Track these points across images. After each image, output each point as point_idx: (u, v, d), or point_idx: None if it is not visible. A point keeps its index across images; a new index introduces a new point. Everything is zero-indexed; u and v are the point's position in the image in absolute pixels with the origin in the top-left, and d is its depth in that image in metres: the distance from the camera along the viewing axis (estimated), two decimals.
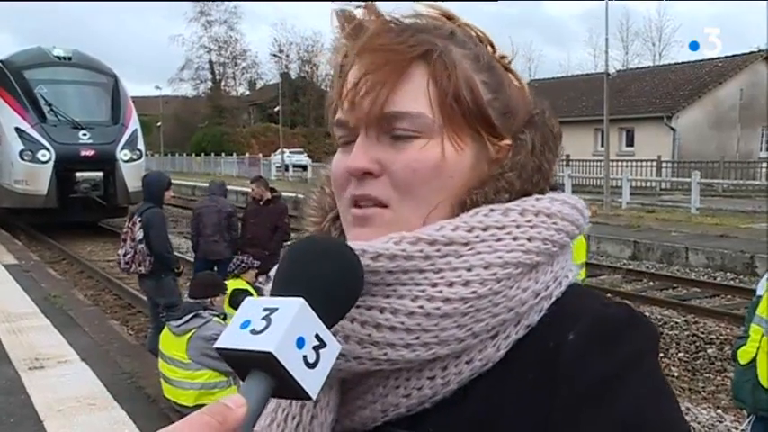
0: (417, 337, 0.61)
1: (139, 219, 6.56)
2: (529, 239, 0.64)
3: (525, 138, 0.69)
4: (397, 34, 0.67)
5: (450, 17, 0.71)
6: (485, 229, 0.64)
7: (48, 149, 14.90)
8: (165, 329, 4.84)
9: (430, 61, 0.66)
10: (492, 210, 0.66)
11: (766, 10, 30.27)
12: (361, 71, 0.66)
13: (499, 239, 0.64)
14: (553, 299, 0.65)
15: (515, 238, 0.64)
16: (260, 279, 6.15)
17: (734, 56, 28.25)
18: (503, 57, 0.73)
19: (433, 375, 0.63)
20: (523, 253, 0.63)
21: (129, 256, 6.54)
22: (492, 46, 0.72)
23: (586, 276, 6.12)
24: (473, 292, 0.62)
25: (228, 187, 10.30)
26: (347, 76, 0.68)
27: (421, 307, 0.61)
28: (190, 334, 4.61)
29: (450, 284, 0.62)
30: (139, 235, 6.48)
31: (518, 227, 0.65)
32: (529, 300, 0.64)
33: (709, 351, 7.14)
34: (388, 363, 0.63)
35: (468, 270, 0.62)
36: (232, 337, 0.52)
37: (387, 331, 0.62)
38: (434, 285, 0.62)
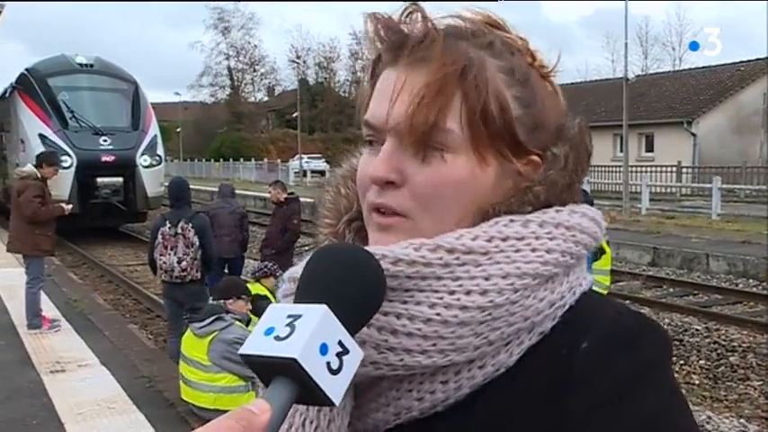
0: (434, 344, 0.62)
1: (191, 224, 6.27)
2: (548, 251, 0.64)
3: (558, 152, 0.68)
4: (437, 43, 0.65)
5: (494, 25, 0.69)
6: (504, 239, 0.64)
7: (69, 155, 15.08)
8: (188, 331, 4.88)
9: (465, 77, 0.65)
10: (512, 220, 0.65)
11: (766, 13, 29.90)
12: (396, 79, 0.66)
13: (518, 250, 0.64)
14: (566, 307, 0.66)
15: (534, 250, 0.64)
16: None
17: (757, 60, 27.89)
18: (542, 66, 0.71)
19: (446, 380, 0.64)
20: (542, 264, 0.63)
21: (185, 263, 6.22)
22: (533, 56, 0.70)
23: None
24: (490, 302, 0.62)
25: (247, 192, 10.45)
26: (379, 78, 0.68)
27: (438, 314, 0.61)
28: (211, 336, 4.64)
29: (468, 293, 0.62)
30: (196, 240, 6.24)
31: (537, 238, 0.64)
32: (544, 309, 0.64)
33: (732, 359, 7.03)
34: (404, 368, 0.63)
35: (487, 279, 0.62)
36: (256, 343, 0.53)
37: (403, 337, 0.62)
38: (452, 293, 0.62)
